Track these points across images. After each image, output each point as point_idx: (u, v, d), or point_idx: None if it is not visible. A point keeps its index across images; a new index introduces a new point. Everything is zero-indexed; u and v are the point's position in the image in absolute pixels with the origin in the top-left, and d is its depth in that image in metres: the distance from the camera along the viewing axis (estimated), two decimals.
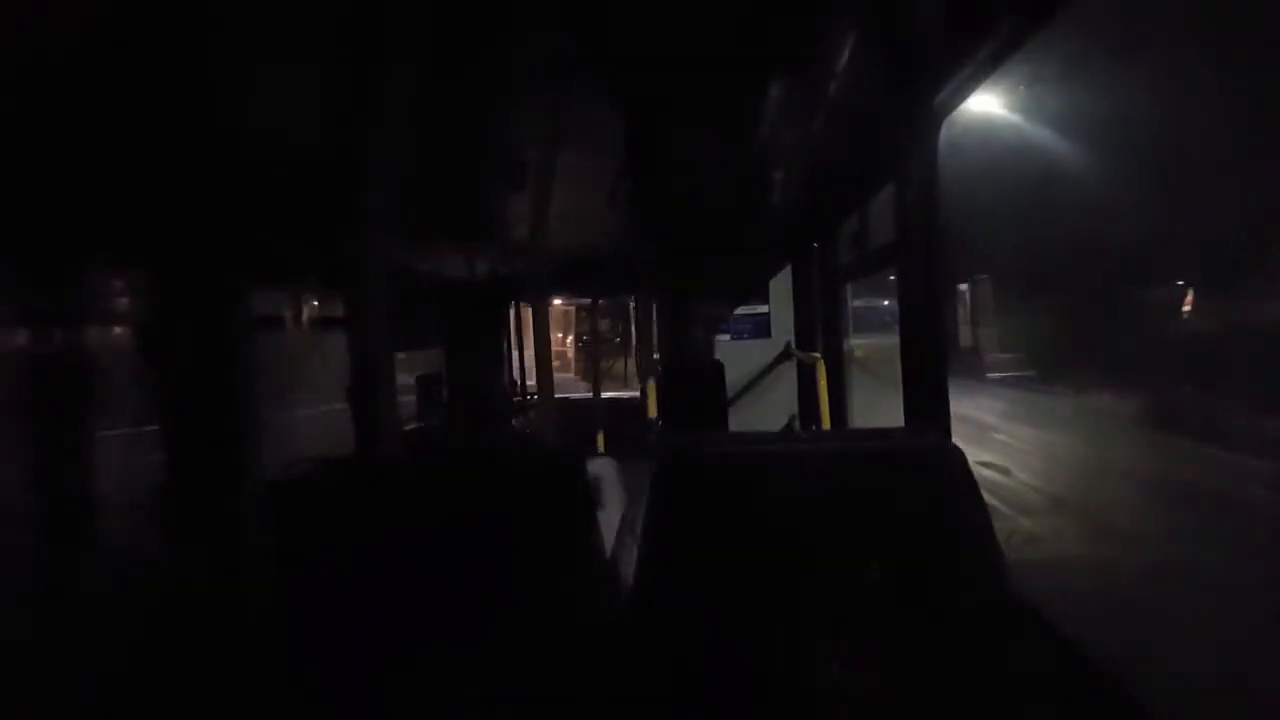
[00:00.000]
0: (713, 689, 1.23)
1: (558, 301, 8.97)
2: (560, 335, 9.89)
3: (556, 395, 8.26)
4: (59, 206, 2.04)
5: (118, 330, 2.79)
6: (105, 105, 1.88)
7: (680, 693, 1.23)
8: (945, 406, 2.16)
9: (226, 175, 2.66)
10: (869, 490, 1.33)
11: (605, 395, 9.34)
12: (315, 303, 4.66)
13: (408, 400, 6.11)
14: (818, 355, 4.52)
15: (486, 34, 2.27)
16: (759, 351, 6.98)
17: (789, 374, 5.83)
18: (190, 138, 2.18)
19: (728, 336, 6.86)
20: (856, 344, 6.04)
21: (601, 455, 6.24)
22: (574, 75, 2.59)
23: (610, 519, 3.07)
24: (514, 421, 7.58)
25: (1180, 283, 10.86)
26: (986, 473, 7.91)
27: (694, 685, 1.23)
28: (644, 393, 8.10)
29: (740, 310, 6.95)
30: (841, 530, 1.30)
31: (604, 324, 12.16)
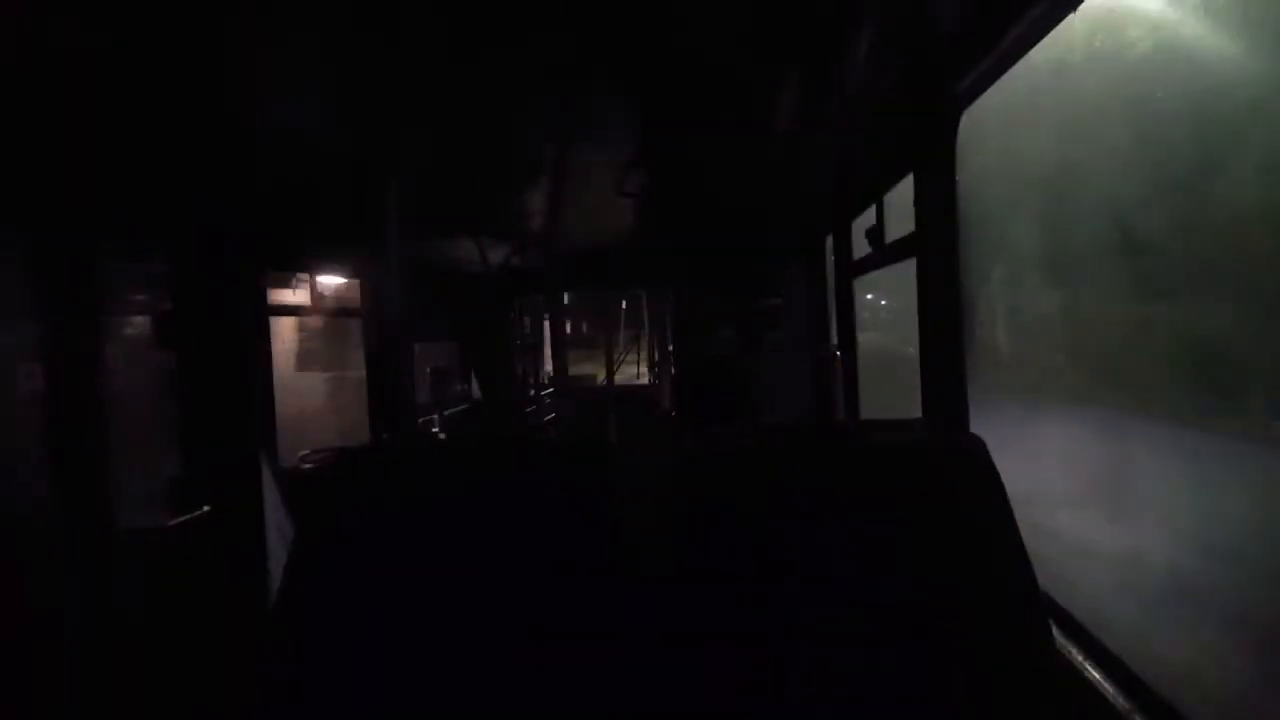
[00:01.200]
0: (727, 684, 1.23)
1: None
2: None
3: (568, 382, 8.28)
4: (85, 202, 2.05)
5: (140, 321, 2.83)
6: (128, 103, 1.89)
7: (695, 685, 1.23)
8: (964, 399, 2.15)
9: (246, 171, 2.67)
10: (889, 482, 1.32)
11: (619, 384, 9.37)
12: (333, 296, 4.69)
13: (423, 391, 6.14)
14: (832, 347, 4.50)
15: (499, 28, 2.27)
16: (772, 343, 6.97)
17: (803, 366, 5.81)
18: (210, 135, 2.20)
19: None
20: None
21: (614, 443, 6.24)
22: (587, 69, 2.58)
23: (621, 509, 3.07)
24: (529, 410, 7.61)
25: None
26: None
27: (709, 679, 1.23)
28: (657, 385, 8.10)
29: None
30: (860, 523, 1.29)
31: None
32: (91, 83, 1.77)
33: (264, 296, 3.52)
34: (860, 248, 3.43)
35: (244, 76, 1.99)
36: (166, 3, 1.54)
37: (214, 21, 1.66)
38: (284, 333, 4.46)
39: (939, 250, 2.15)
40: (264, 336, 3.45)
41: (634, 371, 10.85)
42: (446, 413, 6.17)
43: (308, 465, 2.70)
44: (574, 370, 9.80)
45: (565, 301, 9.34)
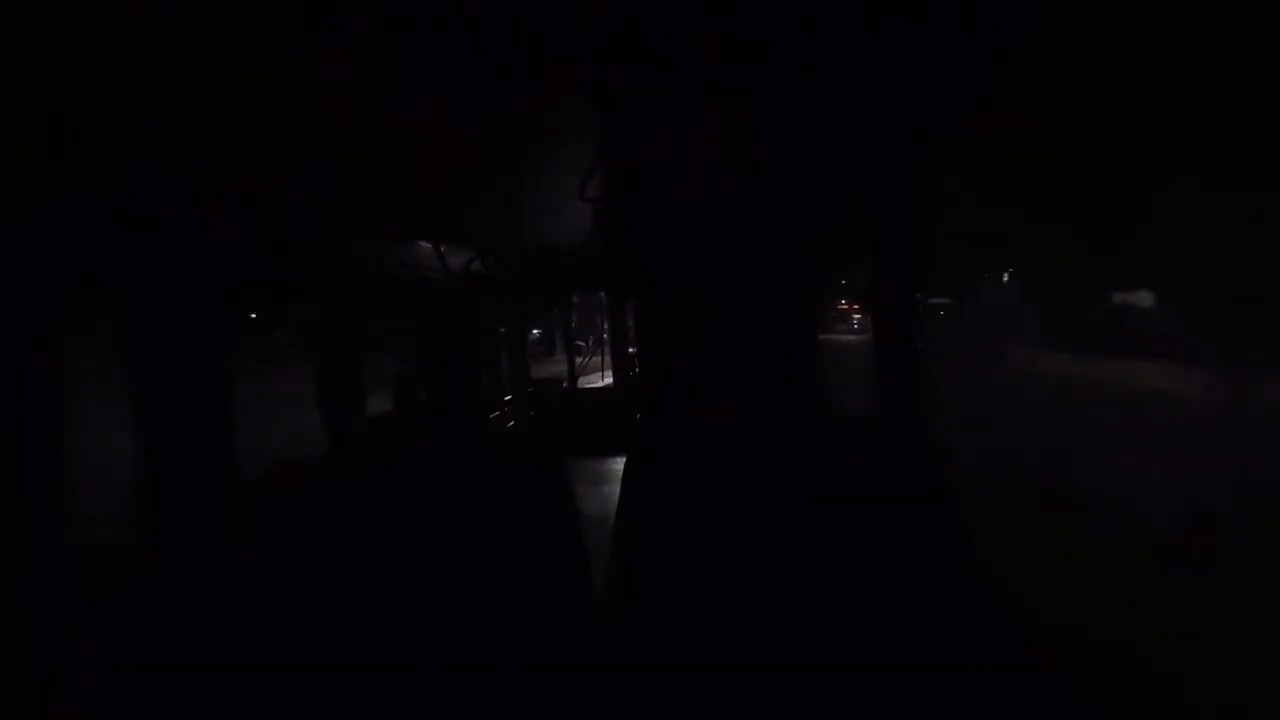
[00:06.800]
0: (688, 682, 1.25)
1: None
2: None
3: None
4: (37, 218, 2.00)
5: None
6: (80, 115, 1.85)
7: (657, 686, 1.25)
8: (919, 397, 2.21)
9: (197, 180, 2.62)
10: (842, 478, 1.36)
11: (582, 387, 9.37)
12: (291, 306, 4.61)
13: (384, 400, 6.07)
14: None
15: (456, 30, 2.26)
16: None
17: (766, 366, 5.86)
18: (160, 142, 2.15)
19: None
20: None
21: (578, 449, 6.25)
22: (544, 69, 2.59)
23: (587, 514, 3.08)
24: (492, 417, 7.56)
25: None
26: None
27: (670, 679, 1.26)
28: (621, 388, 8.12)
29: None
30: (813, 519, 1.33)
31: None
32: (45, 99, 1.73)
33: (218, 302, 3.45)
34: (820, 248, 3.49)
35: (197, 85, 1.96)
36: (122, 13, 1.51)
37: (168, 28, 1.63)
38: None
39: (895, 255, 2.21)
40: (219, 346, 3.38)
41: (599, 375, 10.86)
42: (404, 422, 6.10)
43: (272, 478, 2.67)
44: (536, 374, 9.77)
45: (527, 305, 9.30)
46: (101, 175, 2.19)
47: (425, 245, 5.00)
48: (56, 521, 2.17)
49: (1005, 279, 23.07)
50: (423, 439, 5.82)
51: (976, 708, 1.27)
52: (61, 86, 1.78)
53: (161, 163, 2.32)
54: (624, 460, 2.03)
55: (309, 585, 1.52)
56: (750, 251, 5.81)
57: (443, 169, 3.51)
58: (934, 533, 1.27)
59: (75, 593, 2.34)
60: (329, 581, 1.44)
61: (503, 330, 8.41)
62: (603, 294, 9.84)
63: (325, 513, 1.60)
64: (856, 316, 31.75)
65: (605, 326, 10.58)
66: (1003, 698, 1.31)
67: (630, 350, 7.46)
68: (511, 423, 7.78)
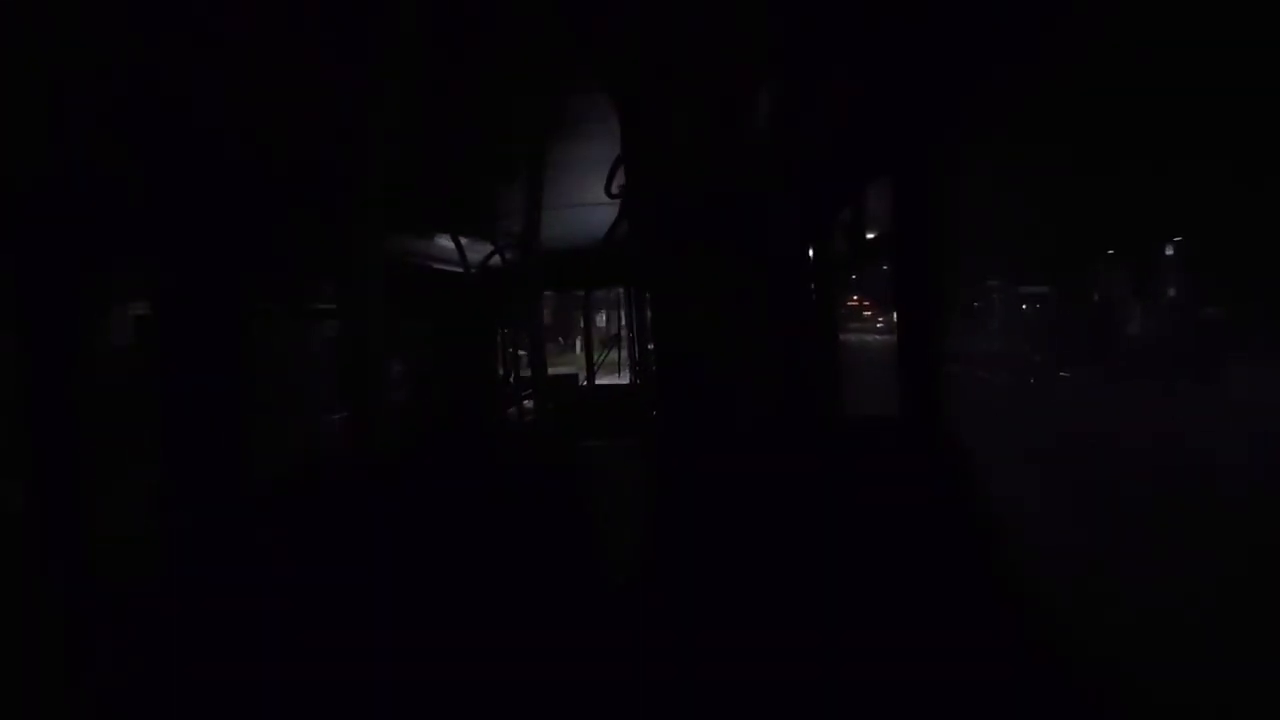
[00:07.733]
0: (707, 675, 1.25)
1: None
2: None
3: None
4: (60, 205, 2.03)
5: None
6: (104, 103, 1.87)
7: (675, 679, 1.25)
8: (941, 397, 2.19)
9: (221, 171, 2.65)
10: (865, 477, 1.35)
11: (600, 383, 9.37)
12: (310, 297, 4.65)
13: (403, 392, 6.10)
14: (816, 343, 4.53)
15: (480, 26, 2.26)
16: None
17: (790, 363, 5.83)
18: (185, 134, 2.17)
19: None
20: None
21: (597, 442, 6.26)
22: (567, 67, 2.59)
23: (607, 506, 3.08)
24: (509, 411, 7.59)
25: None
26: None
27: (688, 671, 1.25)
28: (639, 385, 8.12)
29: None
30: (836, 517, 1.32)
31: None
32: (67, 86, 1.75)
33: (242, 297, 3.49)
34: (841, 244, 3.47)
35: (223, 75, 1.97)
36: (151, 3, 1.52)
37: (194, 19, 1.64)
38: None
39: (917, 251, 2.18)
40: (238, 339, 3.42)
41: (617, 371, 10.86)
42: (429, 413, 6.13)
43: (297, 469, 2.70)
44: (553, 370, 9.77)
45: (545, 301, 9.34)
46: (127, 166, 2.21)
47: (447, 240, 5.03)
48: (79, 513, 2.20)
49: (1170, 251, 19.50)
50: (442, 435, 5.85)
51: (990, 709, 1.26)
52: (79, 77, 1.80)
53: (188, 154, 2.35)
54: (643, 454, 2.02)
55: (328, 578, 1.54)
56: (768, 246, 5.77)
57: (464, 163, 3.51)
58: (951, 531, 1.25)
59: (100, 584, 2.37)
60: (348, 576, 1.45)
61: (520, 326, 8.44)
62: (584, 293, 9.89)
63: (345, 508, 1.61)
64: (868, 314, 31.17)
65: (585, 325, 10.60)
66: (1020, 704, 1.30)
67: (649, 346, 7.44)
68: (532, 418, 7.81)
